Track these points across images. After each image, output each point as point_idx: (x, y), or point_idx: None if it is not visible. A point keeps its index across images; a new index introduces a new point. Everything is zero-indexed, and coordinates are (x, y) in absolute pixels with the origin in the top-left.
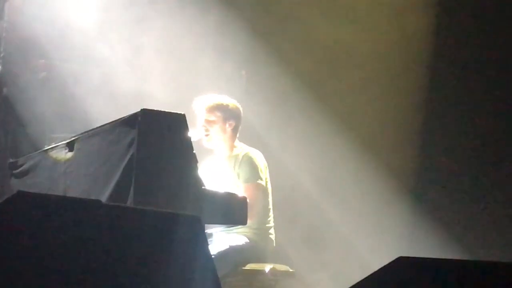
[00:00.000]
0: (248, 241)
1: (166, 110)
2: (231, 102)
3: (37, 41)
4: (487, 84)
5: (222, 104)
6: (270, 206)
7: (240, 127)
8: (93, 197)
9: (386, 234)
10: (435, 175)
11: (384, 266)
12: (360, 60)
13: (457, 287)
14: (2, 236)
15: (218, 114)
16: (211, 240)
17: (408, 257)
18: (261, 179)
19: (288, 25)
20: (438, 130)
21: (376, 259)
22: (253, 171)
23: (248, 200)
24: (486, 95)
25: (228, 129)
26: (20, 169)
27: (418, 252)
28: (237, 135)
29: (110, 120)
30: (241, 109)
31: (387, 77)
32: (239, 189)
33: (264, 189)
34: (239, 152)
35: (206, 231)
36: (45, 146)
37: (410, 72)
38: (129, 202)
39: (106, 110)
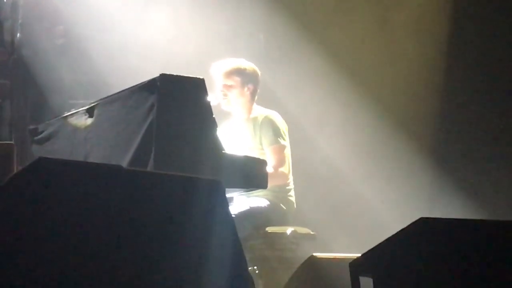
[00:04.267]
0: (268, 203)
1: (185, 75)
2: (249, 65)
3: (55, 7)
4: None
5: (239, 68)
6: (291, 168)
7: (258, 90)
8: (113, 163)
9: (406, 195)
10: (455, 139)
11: (406, 227)
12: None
13: (478, 247)
14: (25, 202)
15: (236, 78)
16: (231, 204)
17: (429, 218)
18: (284, 139)
19: None
20: (459, 96)
21: (397, 221)
22: (275, 133)
23: (276, 162)
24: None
25: (247, 92)
26: (41, 135)
27: (439, 215)
28: (256, 98)
29: (129, 86)
30: (259, 72)
31: (410, 45)
32: (263, 152)
33: (288, 150)
34: (258, 114)
35: (226, 195)
36: (65, 112)
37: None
38: (150, 167)
39: (125, 76)
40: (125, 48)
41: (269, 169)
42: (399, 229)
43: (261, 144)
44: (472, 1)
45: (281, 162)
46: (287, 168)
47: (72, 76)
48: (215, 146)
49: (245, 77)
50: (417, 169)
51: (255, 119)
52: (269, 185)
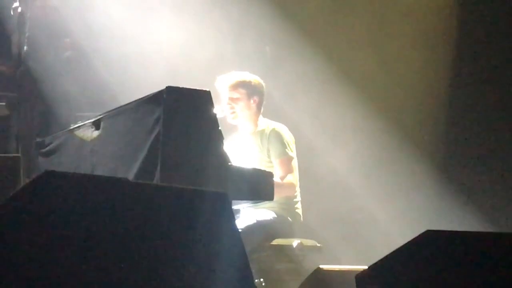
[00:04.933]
0: (275, 216)
1: (191, 87)
2: (254, 78)
3: (62, 20)
4: None
5: (245, 81)
6: (298, 181)
7: (264, 102)
8: (120, 175)
9: (412, 209)
10: (462, 150)
11: (412, 240)
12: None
13: (485, 259)
14: (31, 214)
15: (242, 91)
16: (238, 216)
17: (436, 231)
18: (292, 152)
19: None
20: (465, 106)
21: (403, 234)
22: (283, 145)
23: (283, 174)
24: None
25: (253, 105)
26: (47, 148)
27: (445, 226)
28: (261, 110)
29: (136, 98)
30: (264, 84)
31: (416, 53)
32: (271, 165)
33: (295, 162)
34: (265, 127)
35: (233, 207)
36: (71, 125)
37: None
38: (156, 180)
39: (131, 88)
40: (132, 61)
41: (277, 181)
42: (406, 241)
43: (268, 156)
44: (478, 7)
45: (289, 173)
46: (295, 180)
47: (79, 88)
48: (222, 158)
49: (251, 89)
50: (424, 180)
51: (262, 132)
52: (277, 197)
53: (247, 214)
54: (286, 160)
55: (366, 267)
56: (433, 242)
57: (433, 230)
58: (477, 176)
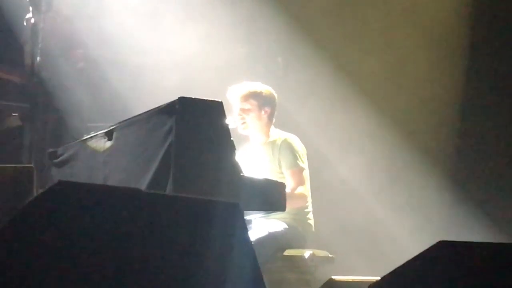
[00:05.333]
0: (287, 226)
1: (203, 98)
2: (265, 88)
3: (74, 31)
4: None
5: (256, 92)
6: (309, 191)
7: (275, 113)
8: (132, 186)
9: (424, 218)
10: (474, 161)
11: (425, 250)
12: (398, 43)
13: (498, 270)
14: (44, 225)
15: (253, 102)
16: (250, 227)
17: (449, 241)
18: (303, 162)
19: (325, 11)
20: (476, 114)
21: (415, 244)
22: (294, 156)
23: (295, 185)
24: None
25: (264, 116)
26: (60, 158)
27: (457, 237)
28: (273, 121)
29: (148, 109)
30: (275, 94)
31: (426, 59)
32: (282, 175)
33: (306, 173)
34: (276, 138)
35: (245, 217)
36: (84, 135)
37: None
38: (168, 190)
39: (143, 99)
40: (144, 71)
41: (288, 191)
42: (419, 252)
43: (280, 167)
44: (490, 9)
45: (300, 184)
46: (306, 191)
47: (91, 99)
48: (234, 169)
49: (262, 100)
50: (437, 191)
51: (273, 143)
52: (289, 207)
53: (259, 225)
54: (297, 171)
55: (378, 278)
56: (447, 252)
57: (447, 241)
58: (489, 187)
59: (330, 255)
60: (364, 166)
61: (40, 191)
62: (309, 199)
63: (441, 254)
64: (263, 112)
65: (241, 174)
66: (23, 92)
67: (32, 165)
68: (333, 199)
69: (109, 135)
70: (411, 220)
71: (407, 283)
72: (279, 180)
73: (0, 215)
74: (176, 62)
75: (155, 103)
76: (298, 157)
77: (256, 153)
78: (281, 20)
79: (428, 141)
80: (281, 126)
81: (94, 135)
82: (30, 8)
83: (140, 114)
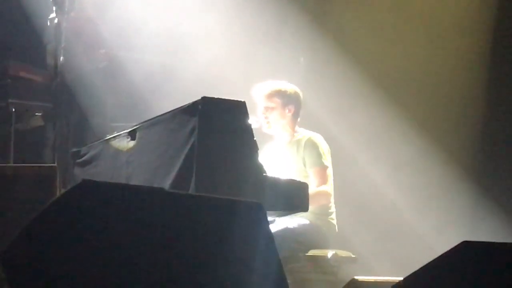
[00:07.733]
0: (310, 226)
1: (226, 98)
2: (290, 87)
3: (97, 31)
4: None
5: (280, 90)
6: (333, 190)
7: (300, 111)
8: (155, 185)
9: (447, 219)
10: (497, 159)
11: (449, 251)
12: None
13: None
14: (68, 224)
15: (277, 100)
16: (273, 226)
17: (472, 242)
18: (327, 161)
19: (347, 11)
20: (499, 115)
21: (439, 244)
22: (319, 154)
23: (319, 183)
24: None
25: (288, 114)
26: (83, 158)
27: (480, 238)
28: (298, 119)
29: (171, 109)
30: (300, 93)
31: (449, 62)
32: (307, 174)
33: (331, 171)
34: (301, 137)
35: (268, 217)
36: (107, 135)
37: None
38: (191, 190)
39: (167, 98)
40: (167, 71)
41: (313, 190)
42: (442, 253)
43: (304, 166)
44: None
45: (324, 183)
46: (330, 190)
47: (114, 99)
48: (257, 169)
49: (286, 98)
50: (460, 192)
51: (298, 142)
52: (313, 205)
53: (282, 225)
54: (321, 170)
55: (401, 278)
56: (470, 253)
57: (470, 241)
58: None
59: (352, 255)
60: (388, 167)
61: (63, 190)
62: (332, 199)
63: (464, 254)
64: (287, 111)
65: (264, 174)
66: (46, 92)
67: (55, 164)
68: (356, 199)
69: (132, 134)
70: (435, 221)
71: (430, 284)
72: (304, 179)
73: (24, 215)
74: (200, 62)
75: (178, 103)
76: (322, 155)
77: (281, 152)
78: (305, 20)
79: (452, 142)
80: (305, 125)
81: (117, 135)
82: (54, 8)
83: (163, 114)
